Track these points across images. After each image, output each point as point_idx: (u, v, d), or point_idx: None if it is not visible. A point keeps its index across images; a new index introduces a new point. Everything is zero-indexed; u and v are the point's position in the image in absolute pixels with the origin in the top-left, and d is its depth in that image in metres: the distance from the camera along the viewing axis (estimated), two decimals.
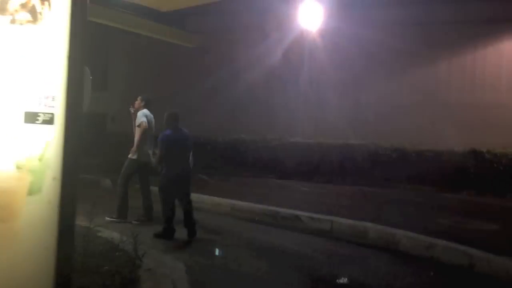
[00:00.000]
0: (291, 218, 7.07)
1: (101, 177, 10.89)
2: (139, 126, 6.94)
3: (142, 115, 6.98)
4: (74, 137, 2.71)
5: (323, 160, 16.19)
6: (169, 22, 20.12)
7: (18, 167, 2.48)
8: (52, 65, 2.61)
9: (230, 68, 18.38)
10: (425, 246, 5.64)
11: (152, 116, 7.14)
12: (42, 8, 2.56)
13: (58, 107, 2.63)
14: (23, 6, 2.53)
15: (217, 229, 6.71)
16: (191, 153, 6.36)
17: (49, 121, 2.59)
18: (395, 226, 6.41)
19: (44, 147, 2.56)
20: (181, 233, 6.09)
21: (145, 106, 7.17)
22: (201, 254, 5.32)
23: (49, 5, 2.58)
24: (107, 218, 6.84)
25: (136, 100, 7.28)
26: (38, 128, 2.55)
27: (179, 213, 6.21)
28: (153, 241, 5.79)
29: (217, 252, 5.56)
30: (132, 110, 7.23)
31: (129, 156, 7.07)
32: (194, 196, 8.64)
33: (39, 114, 2.55)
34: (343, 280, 4.82)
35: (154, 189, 6.79)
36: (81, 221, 6.19)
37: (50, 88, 2.61)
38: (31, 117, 2.53)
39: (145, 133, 6.91)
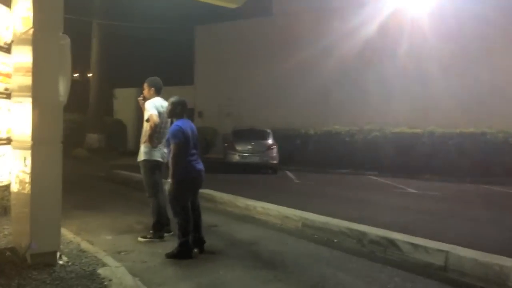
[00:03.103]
0: (383, 243, 4.87)
1: None
2: (147, 120, 5.26)
3: (152, 106, 5.31)
4: None
5: (434, 154, 13.35)
6: (255, 7, 18.65)
7: None
8: None
9: (318, 47, 16.19)
10: None
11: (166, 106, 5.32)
12: None
13: None
14: None
15: (275, 257, 4.76)
16: None
17: None
18: None
19: None
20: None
21: (156, 94, 5.49)
22: None
23: None
24: (140, 239, 5.34)
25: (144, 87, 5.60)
26: None
27: None
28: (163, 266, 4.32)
29: None
30: (141, 100, 5.57)
31: (138, 159, 5.44)
32: (260, 206, 6.90)
33: None
34: None
35: None
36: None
37: None
38: None
39: (156, 128, 5.21)
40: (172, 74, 21.38)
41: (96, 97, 19.16)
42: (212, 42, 20.10)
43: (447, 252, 4.34)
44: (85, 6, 17.90)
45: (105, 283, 3.61)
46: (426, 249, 4.50)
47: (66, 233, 5.26)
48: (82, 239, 5.13)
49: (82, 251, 4.51)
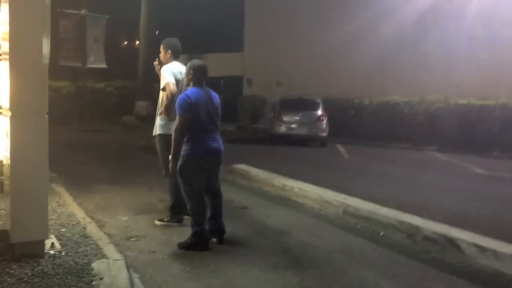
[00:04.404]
0: (440, 243, 3.95)
1: None
2: (163, 89, 4.55)
3: (169, 73, 4.56)
4: None
5: (506, 129, 11.82)
6: None
7: None
8: None
9: (375, 10, 14.75)
10: None
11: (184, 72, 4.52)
12: None
13: None
14: None
15: (306, 253, 3.99)
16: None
17: None
18: None
19: None
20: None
21: (173, 58, 4.73)
22: None
23: None
24: (156, 222, 4.75)
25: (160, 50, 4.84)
26: None
27: None
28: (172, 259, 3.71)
29: None
30: (157, 65, 4.86)
31: (154, 133, 4.79)
32: (298, 187, 6.11)
33: None
34: None
35: None
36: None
37: None
38: None
39: (172, 98, 4.47)
40: (221, 40, 20.65)
41: (145, 65, 18.84)
42: (263, 8, 19.05)
43: None
44: None
45: (94, 282, 3.03)
46: (496, 254, 3.56)
47: (78, 212, 4.79)
48: (93, 220, 4.63)
49: (85, 236, 3.97)
